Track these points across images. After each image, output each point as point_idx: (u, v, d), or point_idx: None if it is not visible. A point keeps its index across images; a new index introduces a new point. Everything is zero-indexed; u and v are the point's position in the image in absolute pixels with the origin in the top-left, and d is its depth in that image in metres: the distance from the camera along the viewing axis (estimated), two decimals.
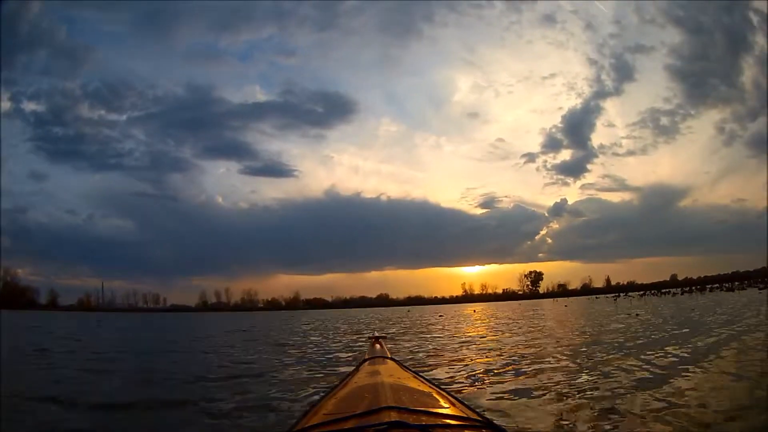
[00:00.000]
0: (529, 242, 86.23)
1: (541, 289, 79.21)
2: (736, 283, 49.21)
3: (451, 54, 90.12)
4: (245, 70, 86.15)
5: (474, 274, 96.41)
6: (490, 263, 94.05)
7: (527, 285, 79.75)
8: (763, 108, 60.02)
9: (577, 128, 72.85)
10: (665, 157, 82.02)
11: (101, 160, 69.65)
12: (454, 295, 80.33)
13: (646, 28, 71.90)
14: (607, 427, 2.94)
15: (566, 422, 3.08)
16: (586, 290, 76.50)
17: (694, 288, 51.71)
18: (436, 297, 79.37)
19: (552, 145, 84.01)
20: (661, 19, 65.86)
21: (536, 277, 79.37)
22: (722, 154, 79.10)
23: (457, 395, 1.52)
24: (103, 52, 76.75)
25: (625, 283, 77.08)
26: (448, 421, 1.17)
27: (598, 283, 77.27)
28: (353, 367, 2.02)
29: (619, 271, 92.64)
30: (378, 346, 2.74)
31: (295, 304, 76.69)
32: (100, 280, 70.44)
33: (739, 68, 62.45)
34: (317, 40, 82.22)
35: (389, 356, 2.29)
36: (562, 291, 78.33)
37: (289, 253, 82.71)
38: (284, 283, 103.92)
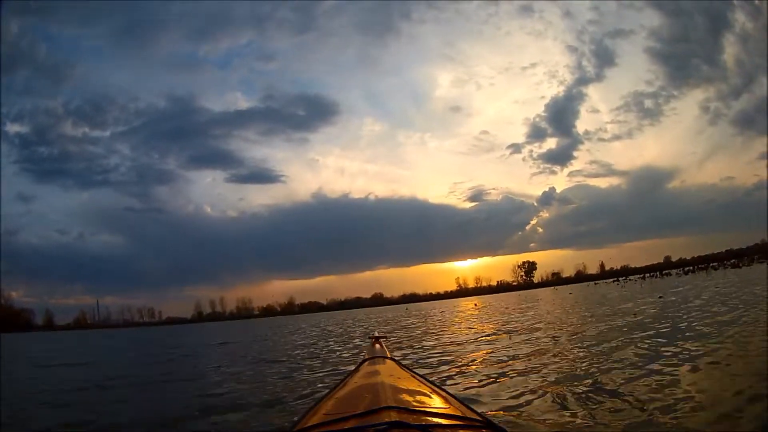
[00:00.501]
0: (519, 233, 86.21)
1: (536, 279, 79.41)
2: (745, 258, 48.09)
3: (431, 50, 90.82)
4: (226, 78, 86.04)
5: (467, 268, 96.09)
6: (482, 256, 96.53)
7: (521, 275, 79.73)
8: (746, 85, 60.21)
9: (560, 116, 72.85)
10: (651, 139, 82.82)
11: (88, 177, 70.56)
12: (449, 290, 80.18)
13: (625, 12, 72.38)
14: None
15: None
16: (581, 277, 76.26)
17: (695, 267, 50.56)
18: (430, 293, 79.27)
19: (537, 134, 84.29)
20: (640, 2, 65.75)
21: (530, 267, 79.23)
22: (708, 134, 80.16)
23: (457, 395, 1.52)
24: (83, 67, 79.07)
25: (619, 267, 77.31)
26: (448, 420, 1.16)
27: (592, 270, 77.31)
28: (353, 367, 2.01)
29: (612, 256, 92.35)
30: (378, 346, 2.74)
31: (290, 309, 76.17)
32: (94, 297, 70.51)
33: (721, 47, 63.35)
34: (296, 43, 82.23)
35: (389, 356, 2.27)
36: (556, 279, 78.29)
37: (281, 258, 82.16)
38: (278, 289, 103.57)
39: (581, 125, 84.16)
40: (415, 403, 1.26)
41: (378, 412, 1.14)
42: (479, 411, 1.32)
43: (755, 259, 44.46)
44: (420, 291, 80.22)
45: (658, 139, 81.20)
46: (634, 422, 2.77)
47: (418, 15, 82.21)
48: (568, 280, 75.45)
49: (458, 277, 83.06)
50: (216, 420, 3.74)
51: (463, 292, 78.85)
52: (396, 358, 2.20)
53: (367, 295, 79.69)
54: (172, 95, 75.95)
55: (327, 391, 1.67)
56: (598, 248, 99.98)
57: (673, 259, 70.85)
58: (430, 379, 1.71)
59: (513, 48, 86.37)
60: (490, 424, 1.18)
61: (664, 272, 54.22)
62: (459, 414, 1.22)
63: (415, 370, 1.93)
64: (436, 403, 1.33)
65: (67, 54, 78.53)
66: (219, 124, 75.65)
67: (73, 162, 69.02)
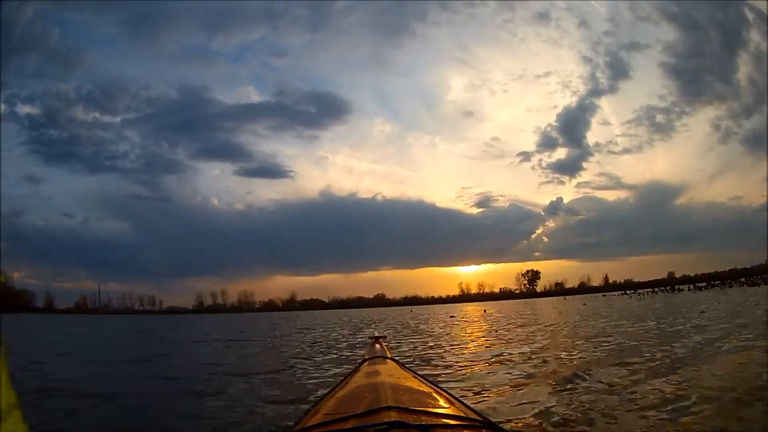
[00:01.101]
0: (525, 241, 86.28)
1: (539, 288, 79.04)
2: (757, 276, 47.78)
3: (444, 53, 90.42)
4: (238, 71, 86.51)
5: (470, 274, 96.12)
6: (486, 263, 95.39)
7: (524, 284, 79.58)
8: (758, 105, 60.06)
9: (572, 126, 72.87)
10: (661, 154, 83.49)
11: (96, 162, 70.99)
12: (451, 294, 79.55)
13: (641, 26, 72.36)
14: None
15: None
16: (584, 289, 75.96)
17: (709, 284, 50.31)
18: (432, 297, 78.93)
19: (547, 143, 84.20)
20: (656, 16, 65.86)
21: (533, 276, 79.23)
22: (718, 152, 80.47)
23: (457, 395, 1.50)
24: (96, 54, 79.48)
25: (622, 281, 77.45)
26: (448, 420, 1.16)
27: (596, 282, 76.83)
28: (353, 367, 2.00)
29: (615, 270, 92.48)
30: (378, 346, 2.72)
31: (291, 305, 75.99)
32: (97, 282, 71.26)
33: (735, 65, 63.25)
34: (309, 41, 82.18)
35: (389, 356, 2.27)
36: (559, 290, 77.89)
37: (285, 254, 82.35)
38: (280, 284, 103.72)
39: (592, 137, 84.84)
40: (415, 403, 1.25)
41: (378, 412, 1.14)
42: (479, 411, 1.32)
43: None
44: (422, 294, 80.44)
45: (667, 155, 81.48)
46: None
47: (432, 17, 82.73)
48: (571, 291, 75.36)
49: (461, 282, 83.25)
50: None
51: (465, 297, 78.60)
52: (396, 358, 2.19)
53: (369, 295, 79.96)
54: (183, 86, 76.99)
55: (327, 391, 1.67)
56: (602, 260, 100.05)
57: (677, 276, 70.50)
58: (431, 380, 1.70)
59: (527, 55, 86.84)
60: (491, 424, 1.18)
61: (676, 287, 53.71)
62: (459, 414, 1.22)
63: (415, 370, 1.92)
64: (436, 403, 1.33)
65: (79, 40, 79.84)
66: (229, 116, 75.93)
67: (83, 146, 69.94)
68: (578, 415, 3.17)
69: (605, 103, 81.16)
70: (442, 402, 1.35)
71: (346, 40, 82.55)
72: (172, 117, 75.47)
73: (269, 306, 75.38)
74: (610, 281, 76.96)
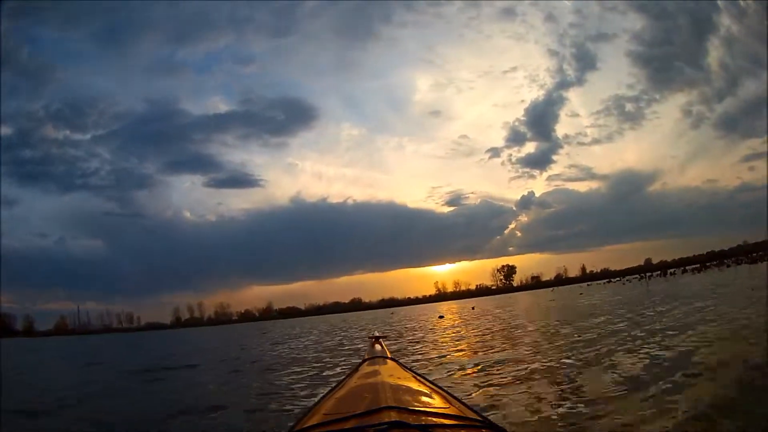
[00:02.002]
0: (498, 237, 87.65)
1: (515, 282, 79.83)
2: (761, 252, 47.90)
3: (410, 54, 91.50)
4: (205, 82, 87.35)
5: (446, 273, 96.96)
6: (460, 260, 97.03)
7: (501, 279, 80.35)
8: (730, 88, 61.11)
9: (540, 120, 74.11)
10: (631, 143, 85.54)
11: (68, 180, 71.53)
12: (428, 294, 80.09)
13: (608, 16, 73.77)
14: None
15: None
16: (562, 281, 76.86)
17: (703, 265, 50.63)
18: (409, 298, 79.06)
19: (516, 138, 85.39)
20: (623, 6, 66.84)
21: (509, 270, 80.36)
22: (690, 137, 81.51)
23: (457, 395, 1.50)
24: (65, 70, 78.03)
25: (599, 270, 78.31)
26: (448, 420, 1.16)
27: (573, 273, 77.75)
28: (353, 367, 2.01)
29: (591, 260, 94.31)
30: (378, 346, 2.73)
31: (268, 314, 75.98)
32: (75, 303, 73.11)
33: (705, 50, 64.87)
34: (275, 47, 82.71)
35: (389, 356, 2.27)
36: (536, 283, 78.79)
37: (259, 263, 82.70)
38: (257, 294, 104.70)
39: (561, 129, 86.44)
40: (415, 403, 1.26)
41: (378, 412, 1.14)
42: (479, 411, 1.32)
43: (759, 258, 43.15)
44: (399, 296, 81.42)
45: (639, 143, 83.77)
46: None
47: (398, 18, 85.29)
48: (548, 284, 76.30)
49: (437, 282, 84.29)
50: None
51: (442, 296, 79.35)
52: (396, 358, 2.19)
53: (345, 300, 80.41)
54: (151, 99, 76.81)
55: (327, 391, 1.67)
56: (577, 251, 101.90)
57: (654, 262, 72.17)
58: (431, 379, 1.71)
59: (494, 52, 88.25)
60: (491, 424, 1.19)
61: (669, 271, 53.39)
62: (459, 414, 1.22)
63: (415, 370, 1.92)
64: (436, 403, 1.33)
65: (48, 56, 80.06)
66: (198, 128, 76.15)
67: (55, 165, 70.38)
68: None
69: (573, 95, 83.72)
70: (442, 402, 1.36)
71: (312, 45, 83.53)
72: (140, 130, 75.50)
73: (246, 317, 75.61)
74: (587, 271, 77.93)
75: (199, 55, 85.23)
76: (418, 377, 1.75)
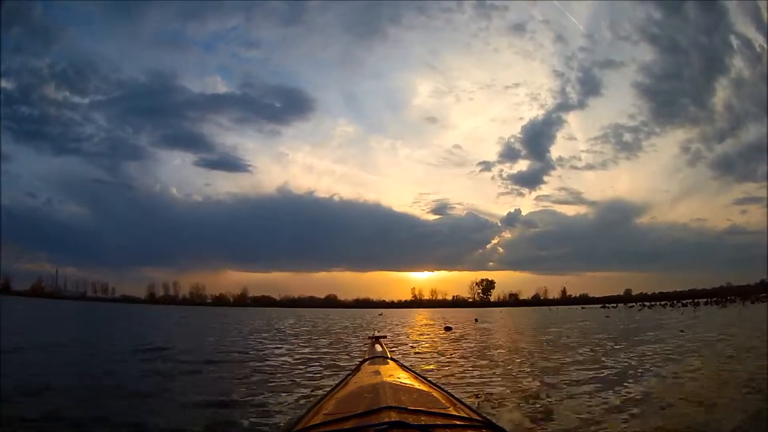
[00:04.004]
0: (480, 250, 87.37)
1: (492, 298, 79.05)
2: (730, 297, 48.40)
3: (414, 57, 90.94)
4: (207, 60, 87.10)
5: (423, 280, 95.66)
6: (439, 269, 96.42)
7: (478, 293, 79.71)
8: (732, 130, 61.26)
9: (536, 139, 73.76)
10: (625, 173, 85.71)
11: (62, 143, 70.14)
12: (403, 299, 79.43)
13: (619, 44, 73.34)
14: None
15: None
16: (539, 301, 76.20)
17: (681, 302, 50.21)
18: (384, 300, 78.47)
19: (509, 154, 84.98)
20: (636, 36, 66.10)
21: (488, 285, 79.94)
22: (685, 174, 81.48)
23: (457, 396, 1.50)
24: (74, 31, 77.52)
25: (578, 295, 77.41)
26: (448, 421, 1.17)
27: (553, 294, 77.48)
28: (354, 367, 1.98)
29: (570, 284, 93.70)
30: (378, 346, 2.72)
31: (242, 301, 75.10)
32: (55, 266, 69.73)
33: (712, 89, 64.23)
34: (281, 35, 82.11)
35: (389, 356, 2.28)
36: (513, 301, 78.12)
37: (238, 248, 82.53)
38: (232, 279, 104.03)
39: (556, 151, 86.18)
40: (415, 404, 1.27)
41: (378, 412, 1.15)
42: (479, 411, 1.33)
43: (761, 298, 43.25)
44: (374, 297, 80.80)
45: (632, 174, 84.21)
46: None
47: (407, 20, 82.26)
48: (526, 303, 75.77)
49: (414, 288, 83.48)
50: None
51: (417, 303, 78.68)
52: (396, 359, 2.21)
53: (321, 295, 79.83)
54: (153, 71, 75.12)
55: (327, 391, 1.67)
56: (557, 274, 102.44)
57: (634, 293, 72.16)
58: (431, 380, 1.72)
59: (498, 65, 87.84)
60: (491, 424, 1.20)
61: (658, 303, 52.55)
62: (459, 414, 1.24)
63: (415, 370, 1.93)
64: (436, 403, 1.34)
65: (60, 16, 78.44)
66: (195, 106, 75.00)
67: (51, 126, 68.67)
68: None
69: (573, 119, 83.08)
70: (442, 402, 1.37)
71: (318, 37, 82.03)
72: (138, 101, 73.21)
73: (220, 301, 74.94)
74: (567, 295, 77.41)
75: (205, 34, 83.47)
76: (419, 377, 1.77)
